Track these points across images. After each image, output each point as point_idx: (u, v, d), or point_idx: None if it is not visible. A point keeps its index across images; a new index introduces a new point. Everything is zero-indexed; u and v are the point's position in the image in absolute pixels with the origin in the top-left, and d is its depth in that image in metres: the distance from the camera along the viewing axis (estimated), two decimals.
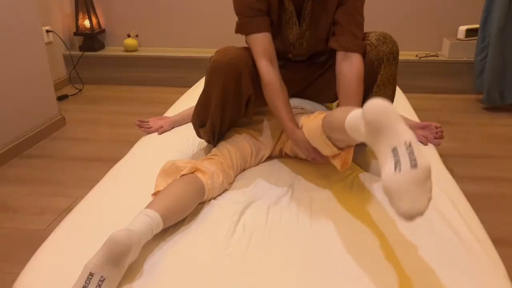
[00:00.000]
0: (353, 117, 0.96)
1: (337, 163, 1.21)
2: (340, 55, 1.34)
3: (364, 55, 1.32)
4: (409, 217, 0.79)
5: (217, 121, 1.40)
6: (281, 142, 1.49)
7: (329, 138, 1.13)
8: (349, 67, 1.30)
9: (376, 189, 1.29)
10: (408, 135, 0.84)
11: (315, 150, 1.24)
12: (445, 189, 1.27)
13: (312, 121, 1.22)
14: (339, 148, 1.16)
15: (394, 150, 0.83)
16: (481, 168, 1.96)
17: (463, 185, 1.39)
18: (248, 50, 1.37)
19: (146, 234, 1.00)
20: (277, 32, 1.39)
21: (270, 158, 1.52)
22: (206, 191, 1.21)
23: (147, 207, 1.06)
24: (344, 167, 1.20)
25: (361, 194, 1.26)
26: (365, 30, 1.38)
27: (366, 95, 1.33)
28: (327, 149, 1.18)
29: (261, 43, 1.32)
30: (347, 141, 1.10)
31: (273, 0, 1.33)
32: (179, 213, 1.12)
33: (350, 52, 1.31)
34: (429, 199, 0.80)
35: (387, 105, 0.87)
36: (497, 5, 2.44)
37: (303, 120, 1.29)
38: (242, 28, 1.36)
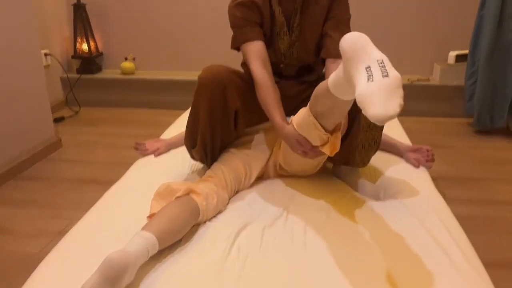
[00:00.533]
0: (334, 74, 1.05)
1: (326, 149, 1.24)
2: (329, 62, 1.43)
3: None
4: (381, 120, 0.85)
5: (207, 138, 1.43)
6: (274, 154, 1.52)
7: (316, 117, 1.18)
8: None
9: (371, 210, 1.31)
10: (381, 55, 0.92)
11: (305, 140, 1.27)
12: (437, 212, 1.30)
13: (300, 113, 1.28)
14: (326, 130, 1.20)
15: (368, 68, 0.91)
16: (472, 190, 1.99)
17: (454, 207, 1.41)
18: (233, 69, 1.42)
19: (142, 256, 1.01)
20: (269, 44, 1.49)
21: (264, 177, 1.54)
22: (200, 212, 1.22)
23: (143, 229, 1.08)
24: (334, 152, 1.24)
25: (355, 216, 1.28)
26: None
27: (356, 115, 1.37)
28: (315, 134, 1.22)
29: (255, 49, 1.43)
30: (334, 113, 1.15)
31: (266, 13, 1.45)
32: (174, 234, 1.13)
33: (339, 59, 1.38)
34: (400, 104, 0.87)
35: (361, 34, 0.96)
36: (485, 32, 2.52)
37: (293, 117, 1.33)
38: (238, 39, 1.46)
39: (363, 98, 0.88)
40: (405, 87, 3.09)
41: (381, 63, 0.90)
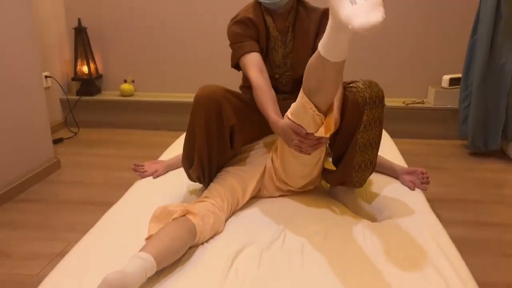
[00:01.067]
0: (322, 39, 1.11)
1: (321, 132, 1.26)
2: None
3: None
4: (366, 29, 0.91)
5: (204, 156, 1.45)
6: (271, 162, 1.54)
7: (309, 96, 1.22)
8: None
9: (367, 231, 1.32)
10: None
11: (300, 128, 1.27)
12: (432, 233, 1.31)
13: (293, 103, 1.31)
14: (320, 111, 1.22)
15: (352, 0, 0.96)
16: (467, 212, 2.01)
17: (450, 229, 1.43)
18: (228, 89, 1.47)
19: (140, 277, 1.02)
20: (265, 57, 1.59)
21: (261, 192, 1.56)
22: (197, 233, 1.23)
23: (141, 250, 1.09)
24: (328, 132, 1.25)
25: (352, 237, 1.29)
26: (356, 79, 1.48)
27: (352, 135, 1.41)
28: (309, 117, 1.23)
29: (253, 59, 1.53)
30: (325, 85, 1.18)
31: (261, 29, 1.57)
32: (172, 255, 1.14)
33: None
34: (383, 16, 0.92)
35: None
36: (477, 57, 2.58)
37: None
38: (237, 53, 1.57)
39: (348, 16, 0.94)
40: (401, 110, 3.15)
41: None
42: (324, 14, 1.58)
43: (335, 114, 1.30)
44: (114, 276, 0.95)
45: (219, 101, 1.38)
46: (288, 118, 1.30)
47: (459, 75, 2.89)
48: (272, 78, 1.57)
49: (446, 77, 2.99)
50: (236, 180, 1.48)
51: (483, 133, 2.66)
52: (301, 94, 1.25)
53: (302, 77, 1.59)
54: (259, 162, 1.56)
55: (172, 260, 1.14)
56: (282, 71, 1.61)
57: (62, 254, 1.66)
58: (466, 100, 2.73)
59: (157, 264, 1.07)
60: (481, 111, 2.62)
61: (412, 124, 3.04)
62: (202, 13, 3.23)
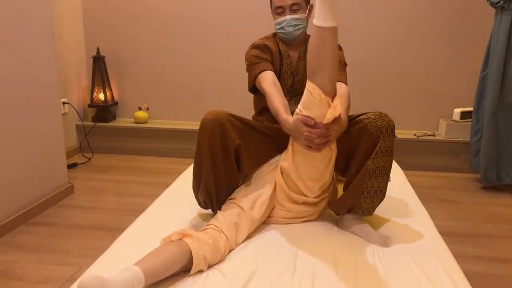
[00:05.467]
0: (315, 15, 1.26)
1: (328, 118, 1.29)
2: None
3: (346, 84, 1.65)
4: None
5: (210, 177, 1.48)
6: (279, 174, 1.57)
7: (313, 78, 1.29)
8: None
9: (379, 263, 1.32)
10: None
11: (309, 118, 1.31)
12: (446, 268, 1.30)
13: None
14: (325, 92, 1.28)
15: None
16: (478, 247, 1.98)
17: (460, 263, 1.41)
18: (234, 114, 1.52)
19: (125, 285, 1.05)
20: (278, 79, 1.70)
21: (274, 212, 1.58)
22: (192, 250, 1.25)
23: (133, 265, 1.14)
24: (335, 114, 1.29)
25: (363, 269, 1.29)
26: (368, 110, 1.52)
27: (364, 162, 1.46)
28: (316, 100, 1.28)
29: (267, 76, 1.65)
30: (323, 56, 1.26)
31: (276, 55, 1.72)
32: (163, 268, 1.18)
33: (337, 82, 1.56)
34: None
35: None
36: (488, 92, 2.60)
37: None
38: (252, 74, 1.69)
39: None
40: (412, 142, 3.16)
41: None
42: None
43: (342, 114, 1.36)
44: (88, 280, 0.97)
45: (223, 123, 1.45)
46: (297, 113, 1.36)
47: (471, 109, 2.90)
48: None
49: (458, 110, 3.00)
50: (242, 202, 1.51)
51: (495, 167, 2.65)
52: (307, 83, 1.32)
53: None
54: (269, 178, 1.59)
55: (163, 274, 1.18)
56: (292, 95, 1.72)
57: (72, 279, 1.67)
58: (477, 133, 2.73)
59: (146, 276, 1.10)
60: (492, 144, 2.61)
61: (423, 156, 3.04)
62: (216, 44, 3.32)
